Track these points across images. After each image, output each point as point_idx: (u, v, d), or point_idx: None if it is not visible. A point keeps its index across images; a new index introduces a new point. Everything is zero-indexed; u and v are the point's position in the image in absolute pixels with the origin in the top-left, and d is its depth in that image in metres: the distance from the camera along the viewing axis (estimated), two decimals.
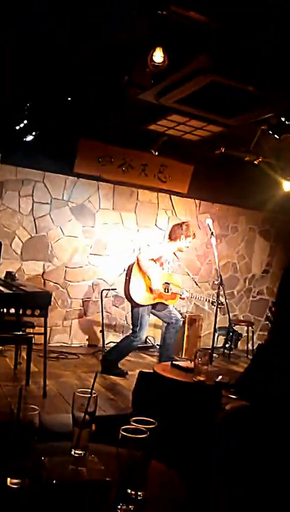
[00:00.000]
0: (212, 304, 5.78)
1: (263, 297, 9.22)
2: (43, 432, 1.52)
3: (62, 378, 5.52)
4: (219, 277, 5.81)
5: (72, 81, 5.17)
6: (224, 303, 5.89)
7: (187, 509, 1.47)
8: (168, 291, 5.82)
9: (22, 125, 5.92)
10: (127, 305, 7.63)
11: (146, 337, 6.97)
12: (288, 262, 9.21)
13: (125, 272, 6.02)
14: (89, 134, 6.83)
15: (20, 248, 6.96)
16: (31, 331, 5.09)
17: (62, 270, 7.28)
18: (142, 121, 6.27)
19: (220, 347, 7.96)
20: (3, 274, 5.52)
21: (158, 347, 7.67)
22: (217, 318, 5.90)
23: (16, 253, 6.92)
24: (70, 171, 7.12)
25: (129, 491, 1.33)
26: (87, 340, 7.50)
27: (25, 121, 5.86)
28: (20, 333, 4.86)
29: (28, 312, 4.65)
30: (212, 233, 5.81)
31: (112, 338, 7.51)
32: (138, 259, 5.70)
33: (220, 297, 5.67)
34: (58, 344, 7.18)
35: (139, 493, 1.34)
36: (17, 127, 5.95)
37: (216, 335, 6.31)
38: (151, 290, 5.67)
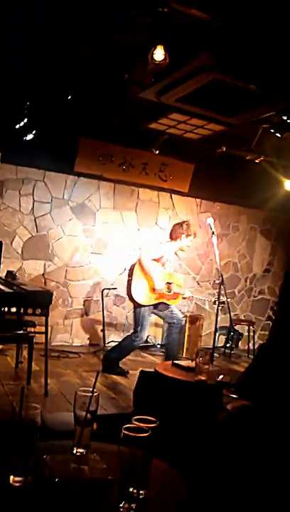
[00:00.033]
0: (215, 303, 5.78)
1: (264, 297, 9.21)
2: (45, 430, 1.52)
3: (63, 377, 5.52)
4: (221, 277, 5.81)
5: (72, 80, 5.16)
6: (226, 302, 5.88)
7: (188, 508, 1.47)
8: (170, 291, 5.82)
9: (22, 124, 5.91)
10: (128, 304, 7.64)
11: (147, 336, 6.96)
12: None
13: (127, 272, 6.00)
14: (89, 133, 6.83)
15: (21, 247, 6.95)
16: (32, 330, 5.09)
17: (63, 269, 7.27)
18: (143, 120, 6.26)
19: (221, 346, 7.97)
20: (4, 274, 5.51)
21: (159, 346, 7.68)
22: (218, 318, 5.90)
23: (17, 252, 6.92)
24: (70, 170, 7.12)
25: (131, 489, 1.33)
26: (88, 339, 7.50)
27: (26, 120, 5.85)
28: (22, 332, 4.86)
29: (29, 311, 4.65)
30: (213, 232, 5.80)
31: (113, 337, 7.51)
32: (140, 260, 5.69)
33: (221, 296, 5.67)
34: (59, 343, 7.18)
35: (141, 491, 1.34)
36: (17, 126, 5.94)
37: (217, 334, 6.30)
38: (153, 290, 5.66)
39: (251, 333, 8.12)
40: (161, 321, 7.57)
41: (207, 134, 6.50)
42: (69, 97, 5.34)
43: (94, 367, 6.12)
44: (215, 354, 6.75)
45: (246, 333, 8.18)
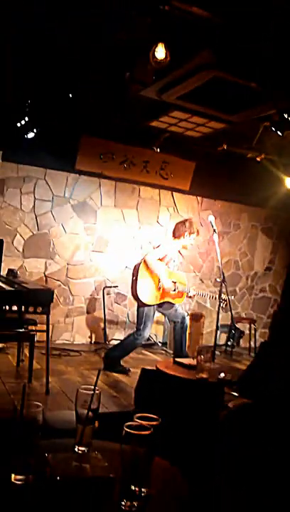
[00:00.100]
0: (220, 301, 5.77)
1: (265, 295, 9.21)
2: (46, 428, 1.52)
3: (64, 375, 5.52)
4: (222, 275, 5.80)
5: (73, 78, 5.16)
6: (228, 300, 5.88)
7: (190, 506, 1.47)
8: (174, 290, 5.82)
9: (23, 122, 5.91)
10: (129, 302, 7.65)
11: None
12: None
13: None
14: (90, 131, 6.83)
15: (22, 245, 6.96)
16: (33, 328, 5.09)
17: (64, 267, 7.28)
18: (144, 118, 6.26)
19: (222, 344, 7.98)
20: (5, 272, 5.51)
21: (160, 344, 7.69)
22: (220, 316, 5.89)
23: (18, 250, 6.92)
24: (71, 168, 7.12)
25: (133, 487, 1.33)
26: (89, 337, 7.50)
27: (27, 119, 5.85)
28: (23, 330, 4.86)
29: (30, 309, 4.65)
30: (214, 230, 5.79)
31: (114, 335, 7.52)
32: (146, 260, 5.69)
33: (223, 295, 5.66)
34: (61, 341, 7.18)
35: (143, 489, 1.34)
36: (18, 124, 5.94)
37: (218, 332, 6.28)
38: (159, 289, 5.67)
39: (253, 331, 8.13)
40: (162, 319, 7.59)
41: (208, 132, 6.50)
42: (70, 96, 5.34)
43: (95, 365, 6.12)
44: (216, 352, 6.72)
45: (248, 331, 8.19)
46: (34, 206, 7.01)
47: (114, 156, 7.25)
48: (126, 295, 7.73)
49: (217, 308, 5.68)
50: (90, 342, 7.46)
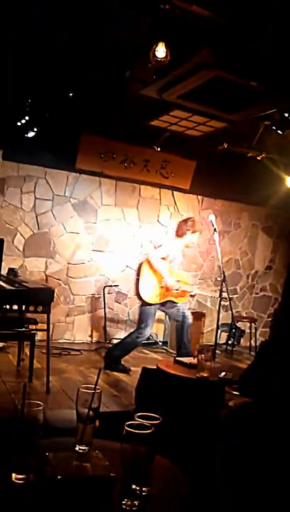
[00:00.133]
0: (222, 299, 5.78)
1: (266, 294, 9.21)
2: (47, 428, 1.51)
3: (65, 374, 5.52)
4: (223, 274, 5.80)
5: (73, 77, 5.16)
6: (229, 298, 5.89)
7: (190, 505, 1.47)
8: (177, 289, 5.82)
9: (23, 121, 5.91)
10: (130, 301, 7.66)
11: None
12: None
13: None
14: (91, 130, 6.83)
15: (23, 245, 6.96)
16: (34, 327, 5.09)
17: (65, 266, 7.28)
18: (144, 117, 6.26)
19: (223, 343, 7.99)
20: (6, 271, 5.51)
21: (160, 343, 7.69)
22: (220, 315, 5.89)
23: (18, 250, 6.92)
24: (71, 167, 7.12)
25: (134, 486, 1.33)
26: (89, 336, 7.50)
27: (27, 118, 5.85)
28: (23, 329, 4.86)
29: (31, 309, 4.65)
30: (214, 229, 5.79)
31: (115, 335, 7.52)
32: (149, 260, 5.70)
33: (223, 294, 5.66)
34: (61, 341, 7.18)
35: (144, 488, 1.34)
36: (18, 124, 5.94)
37: (219, 331, 6.29)
38: (163, 287, 5.68)
39: (253, 330, 8.13)
40: (163, 317, 7.59)
41: (209, 131, 6.49)
42: (70, 95, 5.34)
43: (96, 364, 6.12)
44: (216, 351, 6.75)
45: (248, 330, 8.19)
46: (34, 205, 7.01)
47: (115, 155, 7.24)
48: (127, 294, 7.73)
49: (217, 308, 5.69)
50: (91, 341, 7.46)
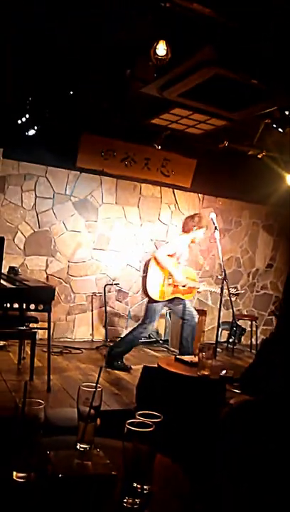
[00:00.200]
0: (232, 295, 5.79)
1: (267, 292, 9.21)
2: (48, 426, 1.51)
3: (66, 373, 5.52)
4: (223, 272, 5.80)
5: (73, 76, 5.16)
6: (238, 293, 5.90)
7: (191, 503, 1.47)
8: (184, 286, 5.82)
9: (24, 120, 5.91)
10: (131, 299, 7.66)
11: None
12: None
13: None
14: (91, 128, 6.83)
15: (23, 243, 6.95)
16: (35, 325, 5.09)
17: (66, 265, 7.28)
18: (145, 115, 6.26)
19: (224, 341, 7.98)
20: (7, 270, 5.51)
21: (161, 342, 7.69)
22: (221, 313, 5.89)
23: (19, 248, 6.92)
24: (72, 166, 7.12)
25: (135, 484, 1.33)
26: (90, 334, 7.50)
27: (27, 116, 5.85)
28: (24, 328, 4.86)
29: (32, 307, 4.65)
30: (215, 227, 5.79)
31: (116, 333, 7.52)
32: (156, 258, 5.71)
33: (231, 289, 5.68)
34: (62, 339, 7.18)
35: (145, 486, 1.34)
36: (19, 122, 5.94)
37: (220, 329, 6.30)
38: (169, 285, 5.69)
39: (254, 328, 8.12)
40: (164, 316, 7.59)
41: (210, 129, 6.50)
42: (70, 93, 5.34)
43: (96, 362, 6.13)
44: (217, 349, 6.75)
45: (249, 328, 8.19)
46: (35, 204, 7.01)
47: (115, 153, 7.24)
48: (128, 292, 7.73)
49: (218, 306, 5.69)
50: (92, 339, 7.46)
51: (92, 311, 7.51)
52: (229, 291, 5.60)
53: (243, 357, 7.49)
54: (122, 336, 6.84)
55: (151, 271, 5.70)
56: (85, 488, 1.40)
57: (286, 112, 5.22)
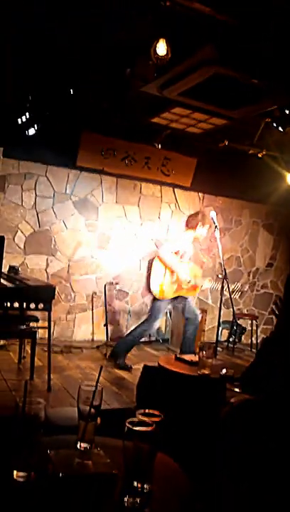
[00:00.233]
0: (238, 291, 5.79)
1: (267, 291, 9.21)
2: (49, 425, 1.51)
3: (66, 372, 5.53)
4: (224, 271, 5.80)
5: (73, 76, 5.15)
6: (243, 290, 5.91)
7: (191, 502, 1.47)
8: (189, 282, 5.83)
9: (24, 119, 5.91)
10: (131, 298, 7.67)
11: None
12: None
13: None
14: (91, 127, 6.82)
15: (23, 242, 6.95)
16: (35, 325, 5.10)
17: (66, 264, 7.28)
18: (145, 114, 6.25)
19: (224, 341, 7.98)
20: (7, 269, 5.51)
21: (161, 341, 7.69)
22: (221, 312, 5.89)
23: (19, 247, 6.92)
24: (72, 165, 7.11)
25: (135, 483, 1.33)
26: (90, 334, 7.50)
27: (27, 115, 5.84)
28: (24, 327, 4.86)
29: (32, 306, 4.65)
30: (215, 226, 5.80)
31: (116, 332, 7.52)
32: (159, 256, 5.72)
33: (238, 285, 5.69)
34: (62, 338, 7.18)
35: (145, 485, 1.34)
36: (19, 121, 5.93)
37: (220, 328, 6.30)
38: (173, 283, 5.69)
39: (254, 327, 8.12)
40: (164, 315, 7.59)
41: (210, 129, 6.49)
42: (70, 92, 5.34)
43: (96, 361, 6.13)
44: (218, 348, 6.76)
45: (249, 328, 8.19)
46: (35, 203, 7.01)
47: (116, 152, 7.24)
48: (128, 292, 7.73)
49: (218, 305, 5.69)
50: (92, 339, 7.46)
51: (93, 310, 7.50)
52: (229, 290, 5.60)
53: (243, 356, 7.49)
54: (122, 335, 6.85)
55: (154, 269, 5.71)
56: (86, 487, 1.40)
57: (287, 111, 5.22)
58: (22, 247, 6.94)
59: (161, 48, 3.92)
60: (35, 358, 5.01)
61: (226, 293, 5.82)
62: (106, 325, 7.20)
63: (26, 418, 1.40)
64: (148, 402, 3.69)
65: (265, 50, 4.04)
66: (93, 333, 7.51)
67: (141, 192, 7.79)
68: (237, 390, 3.13)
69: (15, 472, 1.38)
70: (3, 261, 5.50)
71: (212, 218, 5.78)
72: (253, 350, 7.85)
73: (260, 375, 2.43)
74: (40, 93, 5.50)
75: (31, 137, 6.16)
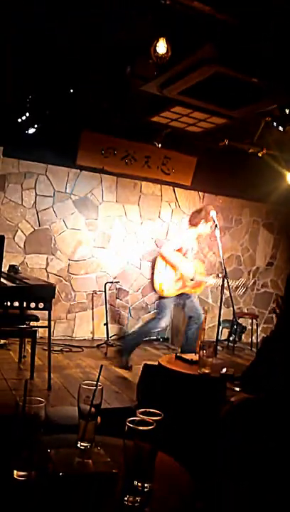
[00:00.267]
0: (239, 288, 5.79)
1: (267, 290, 9.21)
2: (49, 424, 1.52)
3: (66, 371, 5.53)
4: (224, 270, 5.80)
5: (73, 75, 5.15)
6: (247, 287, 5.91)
7: (192, 501, 1.47)
8: (192, 279, 5.82)
9: (24, 118, 5.90)
10: (131, 298, 7.67)
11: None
12: None
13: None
14: (91, 126, 6.82)
15: (24, 241, 6.95)
16: (35, 324, 5.09)
17: (66, 263, 7.28)
18: (145, 113, 6.25)
19: (224, 340, 7.98)
20: (7, 268, 5.51)
21: (161, 340, 7.69)
22: (222, 311, 5.89)
23: (19, 246, 6.92)
24: (72, 164, 7.11)
25: (136, 482, 1.33)
26: (91, 333, 7.50)
27: (27, 114, 5.84)
28: (25, 326, 4.86)
29: (32, 305, 4.65)
30: (216, 225, 5.79)
31: (116, 331, 7.52)
32: (162, 254, 5.72)
33: (241, 280, 5.69)
34: (62, 337, 7.18)
35: (146, 484, 1.34)
36: (19, 120, 5.93)
37: (220, 327, 6.30)
38: (177, 281, 5.69)
39: (255, 326, 8.12)
40: None
41: (210, 128, 6.49)
42: (70, 91, 5.34)
43: (97, 361, 6.13)
44: (218, 347, 6.76)
45: (250, 327, 8.19)
46: (35, 202, 7.00)
47: (116, 151, 7.23)
48: (128, 291, 7.74)
49: (218, 304, 5.69)
50: (92, 338, 7.46)
51: (93, 309, 7.51)
52: (229, 289, 5.60)
53: (243, 355, 7.50)
54: (122, 335, 6.86)
55: (158, 267, 5.72)
56: (86, 486, 1.40)
57: (286, 110, 5.21)
58: (22, 246, 6.94)
59: (161, 47, 3.92)
60: (36, 357, 5.01)
61: (226, 292, 5.81)
62: (106, 324, 7.20)
63: (26, 417, 1.40)
64: (148, 401, 3.70)
65: (265, 49, 4.04)
66: (93, 332, 7.51)
67: (141, 191, 7.79)
68: (237, 389, 3.13)
69: (15, 471, 1.38)
70: (4, 260, 5.50)
71: (212, 217, 5.77)
72: (253, 349, 7.85)
73: (260, 374, 2.43)
74: (40, 93, 5.50)
75: (31, 136, 6.16)
